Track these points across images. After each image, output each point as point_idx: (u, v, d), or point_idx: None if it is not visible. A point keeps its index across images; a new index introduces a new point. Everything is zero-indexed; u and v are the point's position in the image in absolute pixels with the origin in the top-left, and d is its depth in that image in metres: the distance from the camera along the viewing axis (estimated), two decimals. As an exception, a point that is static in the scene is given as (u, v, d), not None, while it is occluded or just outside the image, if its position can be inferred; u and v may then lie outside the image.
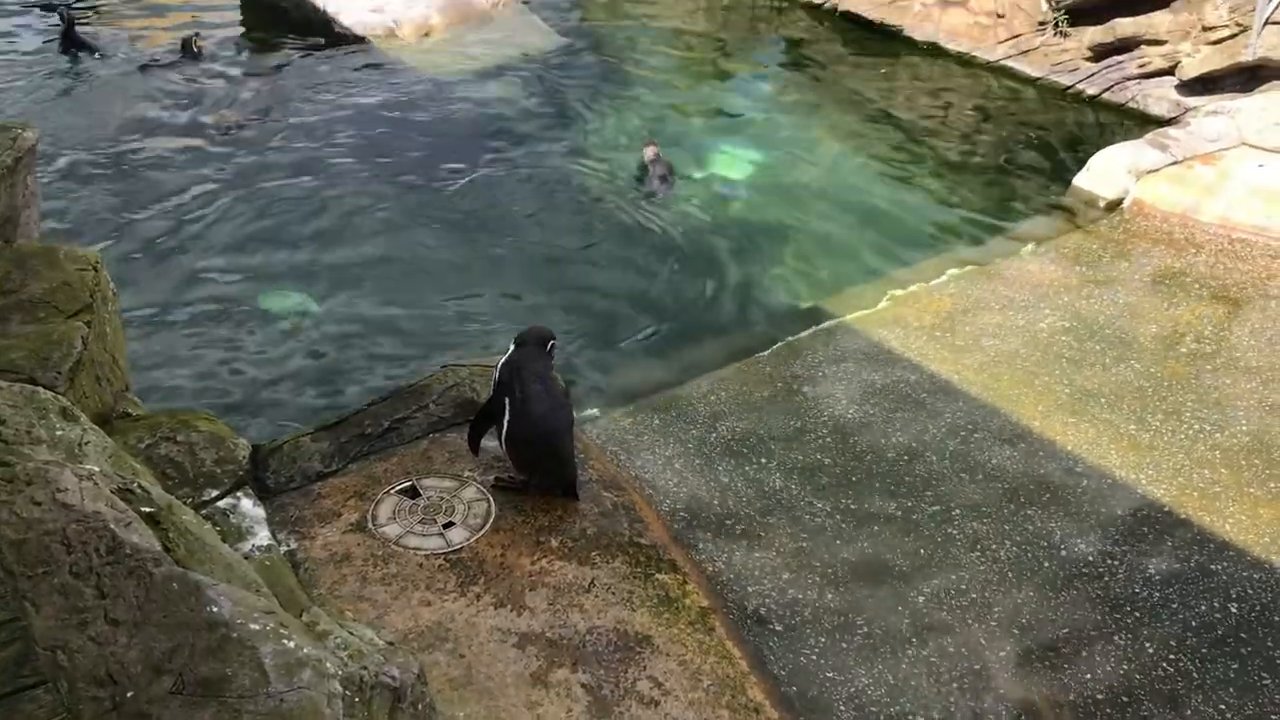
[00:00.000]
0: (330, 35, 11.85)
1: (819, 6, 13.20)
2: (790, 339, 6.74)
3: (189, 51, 11.37)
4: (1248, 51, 9.42)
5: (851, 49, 12.26)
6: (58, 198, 8.32)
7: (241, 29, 12.48)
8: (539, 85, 11.06)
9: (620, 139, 9.91)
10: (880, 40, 12.28)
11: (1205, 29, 9.92)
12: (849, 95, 11.19)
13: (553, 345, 4.81)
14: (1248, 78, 9.66)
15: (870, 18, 12.46)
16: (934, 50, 11.91)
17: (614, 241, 8.20)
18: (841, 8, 12.85)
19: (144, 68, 11.04)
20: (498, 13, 12.57)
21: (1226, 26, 9.72)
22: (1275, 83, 9.37)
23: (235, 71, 11.21)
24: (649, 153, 9.21)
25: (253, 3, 12.88)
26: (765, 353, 6.59)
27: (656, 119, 10.35)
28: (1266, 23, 9.28)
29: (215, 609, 2.43)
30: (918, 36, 12.07)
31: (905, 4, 12.21)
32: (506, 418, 4.59)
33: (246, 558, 3.96)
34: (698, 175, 9.30)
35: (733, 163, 9.53)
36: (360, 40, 11.78)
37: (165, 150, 9.36)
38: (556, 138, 9.91)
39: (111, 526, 2.55)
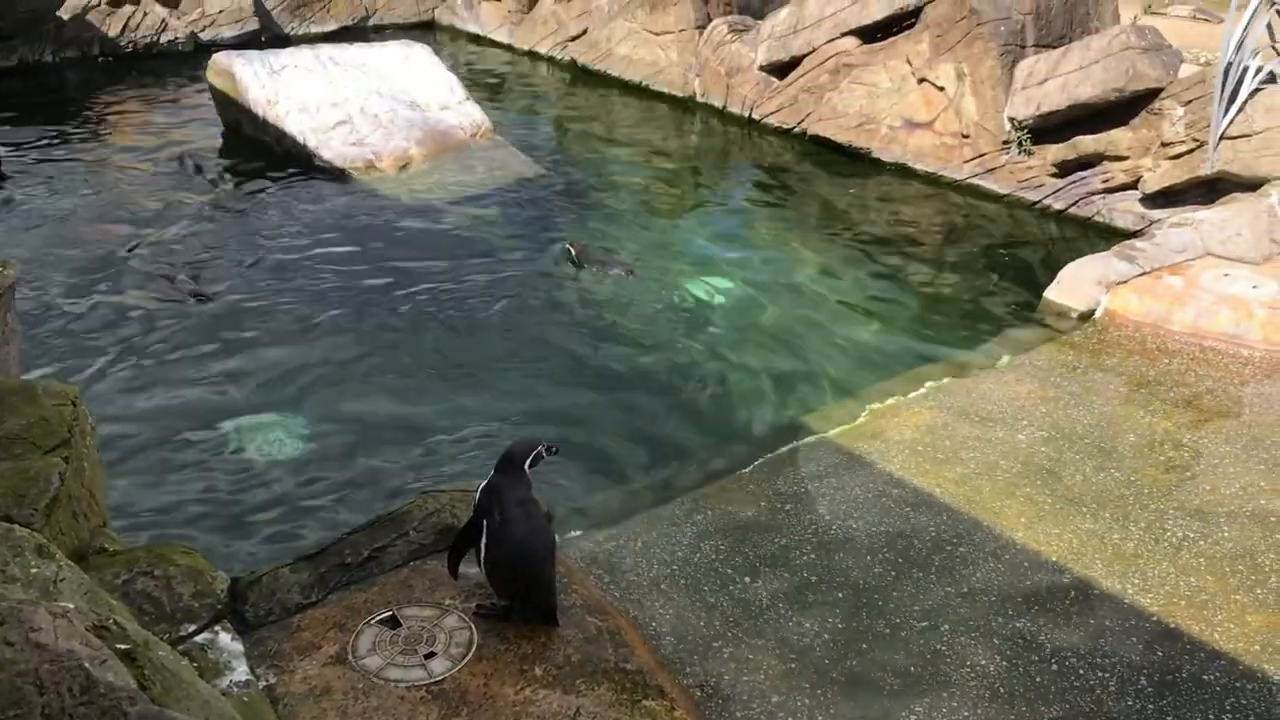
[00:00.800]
0: (311, 168, 12.08)
1: (789, 131, 13.58)
2: (771, 455, 6.74)
3: (186, 167, 11.73)
4: (1206, 165, 9.72)
5: (822, 171, 12.58)
6: (36, 333, 8.34)
7: (224, 162, 12.72)
8: (516, 213, 11.26)
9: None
10: (849, 162, 12.62)
11: (1164, 144, 10.24)
12: (821, 215, 11.44)
13: (538, 454, 4.73)
14: (1208, 190, 9.94)
15: (839, 141, 12.82)
16: (902, 170, 12.23)
17: (592, 364, 8.25)
18: (811, 132, 13.22)
19: (197, 170, 11.87)
20: (475, 143, 12.85)
21: (1184, 142, 10.04)
22: (1235, 194, 9.64)
23: (217, 206, 11.37)
24: (575, 248, 9.98)
25: (235, 137, 13.14)
26: (747, 470, 6.59)
27: (632, 243, 10.53)
28: (1221, 138, 9.59)
29: (191, 748, 2.38)
30: (886, 158, 12.41)
31: (872, 127, 12.57)
32: (485, 542, 4.54)
33: (225, 694, 3.89)
34: (674, 297, 9.43)
35: (708, 283, 9.67)
36: (341, 172, 12.00)
37: (141, 281, 9.42)
38: (532, 264, 10.05)
39: (86, 665, 2.51)
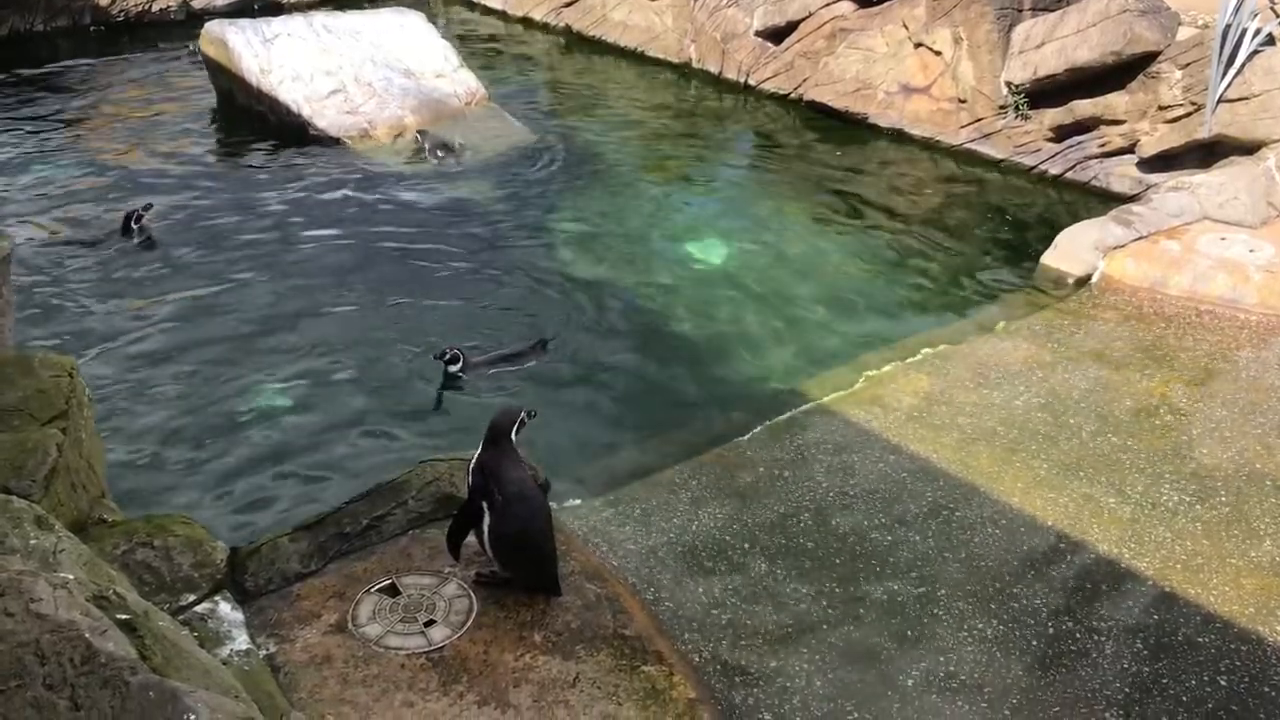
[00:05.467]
0: (305, 138, 12.00)
1: (785, 97, 13.49)
2: (769, 423, 6.75)
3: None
4: (1203, 129, 9.66)
5: (818, 137, 12.51)
6: (33, 305, 8.32)
7: (216, 133, 12.64)
8: (512, 181, 11.21)
9: (593, 231, 10.02)
10: (846, 128, 12.55)
11: (1161, 108, 10.18)
12: (818, 182, 11.39)
13: (523, 422, 4.73)
14: (1205, 153, 9.89)
15: (835, 106, 12.74)
16: (899, 136, 12.17)
17: (589, 332, 8.24)
18: (807, 97, 13.14)
19: None
20: (470, 111, 12.77)
21: (1181, 105, 9.98)
22: (1232, 158, 9.60)
23: (211, 176, 11.32)
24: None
25: (229, 107, 13.05)
26: (744, 437, 6.60)
27: (628, 209, 10.49)
28: (1219, 101, 9.54)
29: (192, 717, 2.40)
30: (883, 124, 12.34)
31: (869, 93, 12.49)
32: (488, 522, 4.54)
33: (225, 663, 3.91)
34: (671, 264, 9.41)
35: (705, 250, 9.64)
36: (335, 142, 11.93)
37: (136, 252, 9.38)
38: (529, 232, 10.01)
39: (86, 635, 2.52)
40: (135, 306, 8.45)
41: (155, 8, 17.29)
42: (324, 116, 12.11)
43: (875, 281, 9.13)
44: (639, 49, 15.47)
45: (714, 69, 14.49)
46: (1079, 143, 10.99)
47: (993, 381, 7.13)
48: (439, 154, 11.60)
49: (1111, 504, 5.91)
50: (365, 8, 14.93)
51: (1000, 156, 11.42)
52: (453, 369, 7.46)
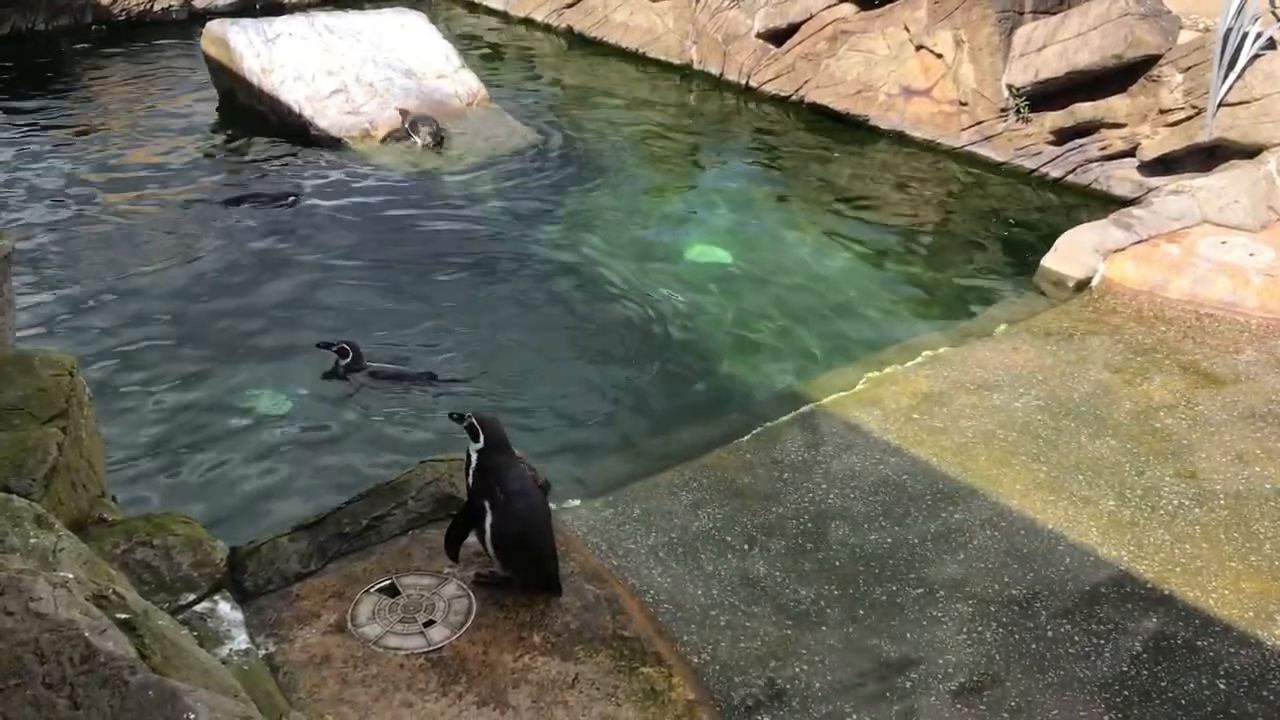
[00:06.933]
0: (307, 138, 12.01)
1: (786, 99, 13.50)
2: (769, 424, 6.75)
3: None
4: (1204, 132, 9.67)
5: (819, 139, 12.52)
6: (33, 303, 8.32)
7: (217, 133, 12.64)
8: (512, 182, 11.21)
9: (593, 233, 10.02)
10: (847, 130, 12.56)
11: (1162, 112, 10.19)
12: (819, 183, 11.40)
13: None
14: (1206, 157, 9.90)
15: (836, 108, 12.75)
16: (900, 138, 12.18)
17: (590, 332, 8.25)
18: (808, 99, 13.15)
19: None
20: (471, 111, 12.78)
21: (1182, 109, 9.99)
22: (1233, 161, 9.60)
23: (212, 175, 11.32)
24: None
25: (230, 107, 13.05)
26: (745, 439, 6.60)
27: (628, 211, 10.50)
28: (1220, 104, 9.55)
29: (192, 716, 2.40)
30: (884, 126, 12.35)
31: (870, 95, 12.50)
32: (490, 520, 4.55)
33: (224, 662, 3.91)
34: (672, 265, 9.41)
35: (706, 252, 9.65)
36: (336, 141, 11.93)
37: (139, 251, 9.39)
38: (528, 233, 10.01)
39: (86, 634, 2.52)
40: (135, 305, 8.45)
41: (157, 7, 17.29)
42: (325, 116, 12.12)
43: (875, 284, 9.13)
44: (640, 50, 15.48)
45: (715, 71, 14.50)
46: (1080, 145, 10.99)
47: (992, 384, 7.14)
48: (420, 134, 11.79)
49: (1111, 506, 5.91)
50: (367, 8, 14.94)
51: (1001, 159, 11.43)
52: (342, 362, 7.49)
